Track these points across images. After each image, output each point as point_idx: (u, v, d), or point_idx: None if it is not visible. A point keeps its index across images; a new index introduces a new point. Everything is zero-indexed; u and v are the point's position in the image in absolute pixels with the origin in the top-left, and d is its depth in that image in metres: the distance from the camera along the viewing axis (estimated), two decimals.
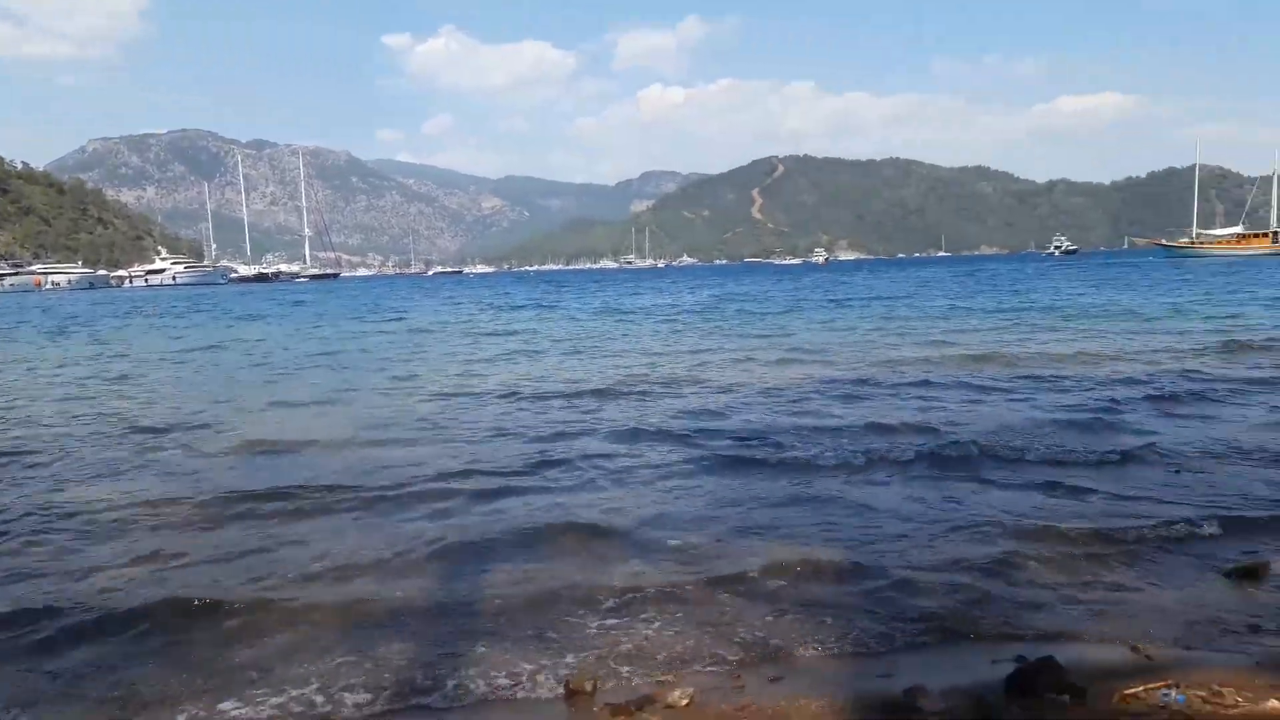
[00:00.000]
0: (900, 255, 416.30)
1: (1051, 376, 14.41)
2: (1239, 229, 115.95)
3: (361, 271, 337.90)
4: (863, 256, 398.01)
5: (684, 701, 4.16)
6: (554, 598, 5.61)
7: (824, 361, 17.53)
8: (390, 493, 8.13)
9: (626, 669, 4.65)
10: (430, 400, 13.88)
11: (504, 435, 10.80)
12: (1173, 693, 4.09)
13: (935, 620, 5.22)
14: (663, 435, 10.45)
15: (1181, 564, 6.07)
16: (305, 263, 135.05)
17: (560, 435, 10.67)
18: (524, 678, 4.59)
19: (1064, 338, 21.52)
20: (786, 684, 4.45)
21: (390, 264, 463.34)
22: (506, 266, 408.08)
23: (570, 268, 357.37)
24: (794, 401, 12.66)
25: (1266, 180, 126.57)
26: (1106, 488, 7.88)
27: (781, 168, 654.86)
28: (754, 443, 9.97)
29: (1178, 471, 8.39)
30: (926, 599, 5.53)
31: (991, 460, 8.88)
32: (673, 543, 6.64)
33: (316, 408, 13.62)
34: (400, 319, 38.67)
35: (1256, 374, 14.27)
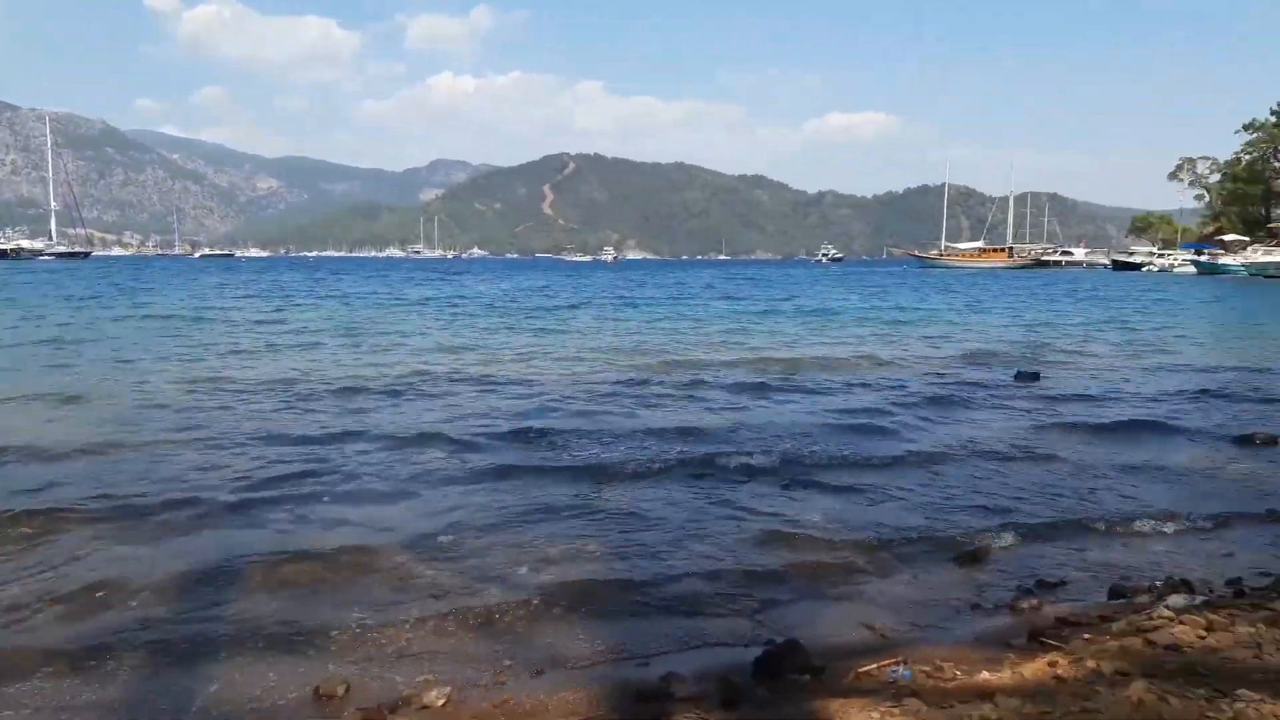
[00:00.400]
0: (684, 256, 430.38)
1: (823, 381, 15.31)
2: (981, 243, 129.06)
3: (117, 251, 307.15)
4: (649, 256, 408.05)
5: (440, 701, 4.10)
6: (308, 605, 5.37)
7: (610, 362, 17.77)
8: (131, 504, 7.40)
9: (383, 671, 4.53)
10: (180, 396, 12.79)
11: (263, 440, 9.94)
12: (900, 668, 4.46)
13: (693, 614, 5.43)
14: (438, 437, 10.18)
15: (920, 554, 6.60)
16: (51, 239, 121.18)
17: (330, 438, 10.13)
18: (272, 686, 4.37)
19: (834, 340, 23.02)
20: (547, 678, 4.49)
21: (151, 244, 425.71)
22: (283, 251, 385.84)
23: (354, 255, 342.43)
24: (577, 402, 12.75)
25: (1004, 200, 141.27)
26: (866, 486, 8.47)
27: (573, 165, 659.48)
28: (531, 444, 9.96)
29: (926, 470, 9.15)
30: (686, 596, 5.74)
31: (757, 463, 9.24)
32: (441, 542, 6.53)
33: (41, 405, 12.12)
34: (151, 304, 35.47)
35: (996, 378, 15.89)
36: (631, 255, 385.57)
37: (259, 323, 26.91)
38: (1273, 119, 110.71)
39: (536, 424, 10.87)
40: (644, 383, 14.59)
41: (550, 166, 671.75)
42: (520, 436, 10.24)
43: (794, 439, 10.40)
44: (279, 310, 32.91)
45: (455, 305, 37.35)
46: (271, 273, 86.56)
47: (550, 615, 5.30)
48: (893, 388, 14.39)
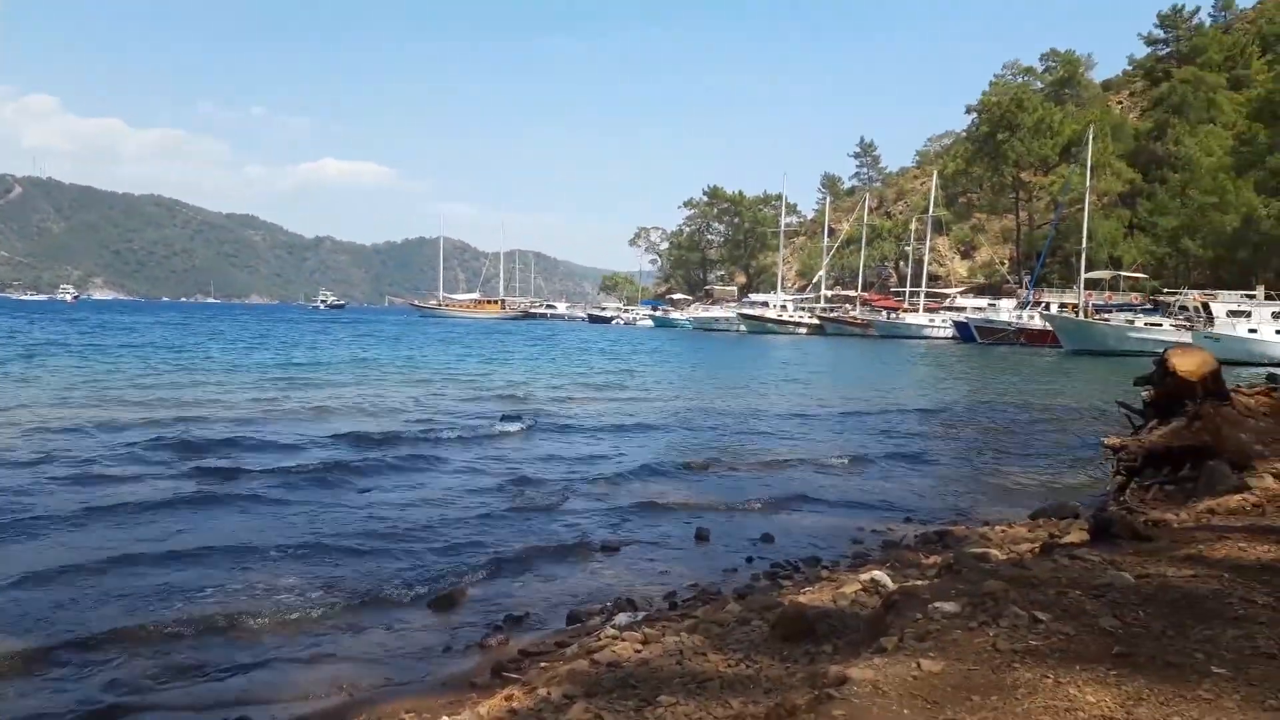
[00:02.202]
0: (165, 298, 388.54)
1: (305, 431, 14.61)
2: (476, 295, 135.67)
3: None
4: (120, 296, 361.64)
5: None
6: None
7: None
8: None
9: None
10: None
11: None
12: None
13: (133, 694, 4.75)
14: None
15: (395, 603, 6.50)
16: None
17: None
18: None
19: (322, 389, 22.20)
20: None
21: None
22: None
23: None
24: None
25: (496, 256, 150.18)
26: (336, 536, 8.17)
27: (19, 189, 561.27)
28: None
29: (397, 514, 9.10)
30: (128, 678, 5.01)
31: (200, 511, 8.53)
32: None
33: None
34: None
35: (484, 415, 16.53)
36: (99, 295, 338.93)
37: None
38: (704, 198, 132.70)
39: None
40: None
41: None
42: None
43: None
44: None
45: None
46: None
47: None
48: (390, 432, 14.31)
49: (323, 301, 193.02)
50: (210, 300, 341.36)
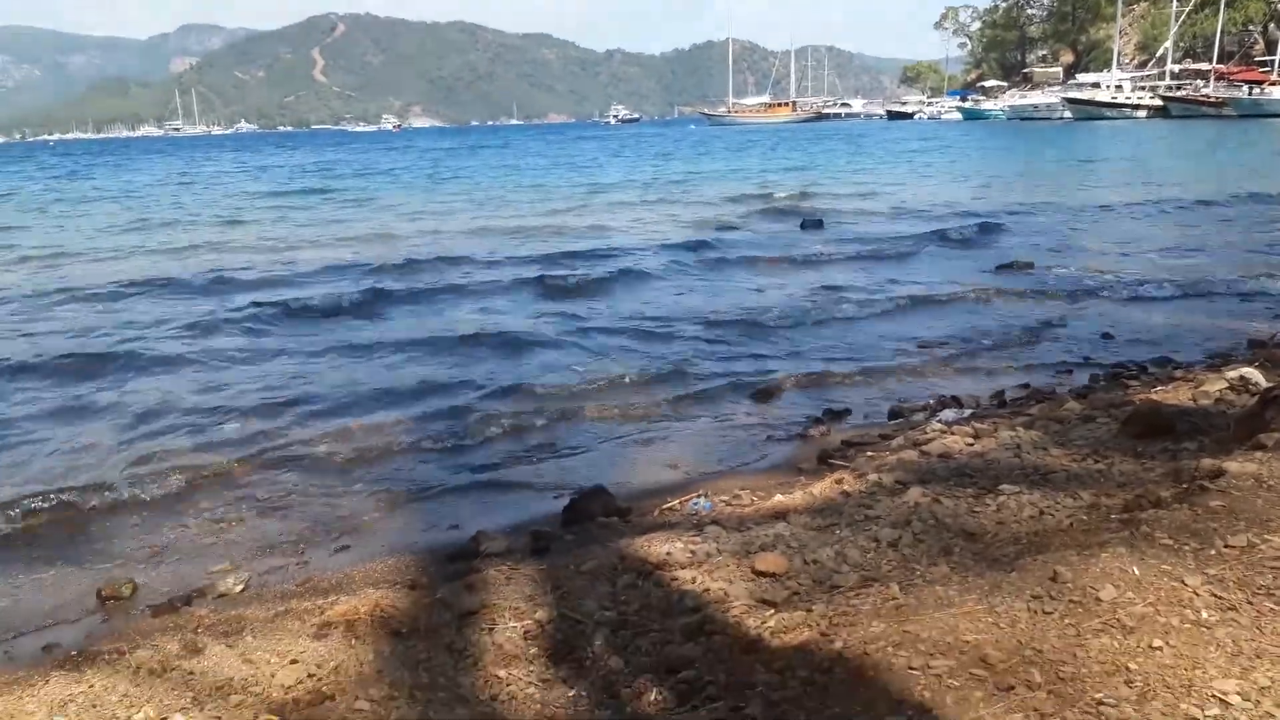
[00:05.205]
0: (474, 122, 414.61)
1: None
2: (766, 98, 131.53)
3: None
4: (437, 124, 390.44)
5: (238, 588, 3.91)
6: (82, 508, 4.93)
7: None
8: None
9: (175, 567, 4.26)
10: None
11: None
12: (701, 500, 4.65)
13: (500, 472, 5.42)
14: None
15: (718, 395, 6.83)
16: None
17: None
18: (53, 592, 4.03)
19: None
20: (353, 552, 4.36)
21: None
22: (19, 136, 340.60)
23: (102, 136, 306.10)
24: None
25: (786, 55, 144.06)
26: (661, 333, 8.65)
27: (342, 26, 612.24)
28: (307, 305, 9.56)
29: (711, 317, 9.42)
30: (492, 454, 5.71)
31: (562, 321, 9.29)
32: (230, 428, 6.14)
33: None
34: None
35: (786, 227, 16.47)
36: (418, 124, 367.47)
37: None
38: None
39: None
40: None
41: (317, 28, 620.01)
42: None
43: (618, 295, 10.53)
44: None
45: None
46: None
47: (351, 489, 5.13)
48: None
49: (614, 117, 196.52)
50: (513, 122, 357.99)
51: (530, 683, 2.72)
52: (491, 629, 3.06)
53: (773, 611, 2.92)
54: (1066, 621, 2.41)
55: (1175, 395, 5.24)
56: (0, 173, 46.90)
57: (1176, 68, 78.41)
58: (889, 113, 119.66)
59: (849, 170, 31.75)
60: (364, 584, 3.77)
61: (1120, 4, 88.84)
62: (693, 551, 3.57)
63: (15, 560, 4.37)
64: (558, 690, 2.65)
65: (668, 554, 3.54)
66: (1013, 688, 2.16)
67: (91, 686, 2.91)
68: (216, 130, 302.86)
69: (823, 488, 4.47)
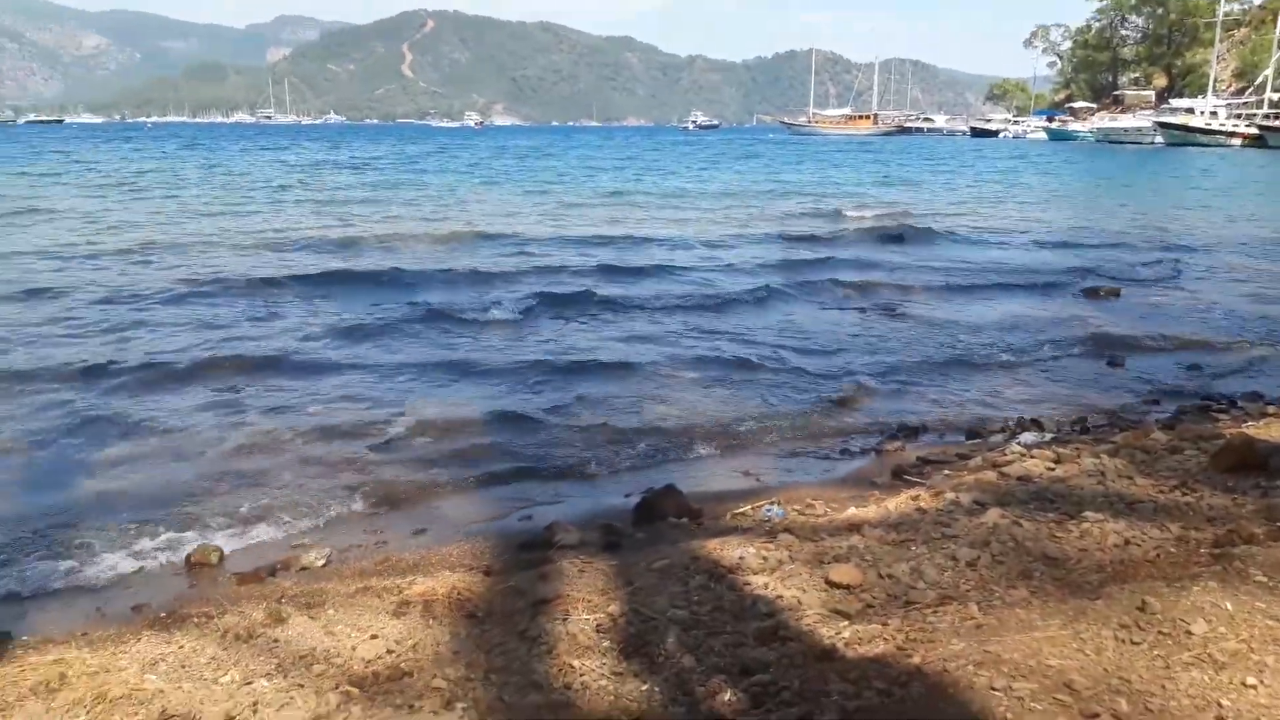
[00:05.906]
0: (554, 122, 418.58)
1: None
2: (848, 110, 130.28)
3: None
4: (518, 122, 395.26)
5: (320, 562, 4.03)
6: (168, 477, 5.13)
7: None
8: None
9: (256, 536, 4.40)
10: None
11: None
12: (773, 508, 4.64)
13: (577, 468, 5.48)
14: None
15: (793, 404, 6.81)
16: None
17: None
18: (145, 556, 4.19)
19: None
20: (430, 535, 4.46)
21: None
22: (118, 117, 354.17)
23: (197, 120, 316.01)
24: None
25: (870, 67, 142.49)
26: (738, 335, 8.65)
27: (432, 23, 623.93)
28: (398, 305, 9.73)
29: (791, 324, 9.37)
30: (568, 447, 5.77)
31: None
32: (315, 407, 6.33)
33: None
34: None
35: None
36: (500, 121, 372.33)
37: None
38: None
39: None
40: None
41: (408, 24, 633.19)
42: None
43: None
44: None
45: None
46: (108, 135, 78.56)
47: (431, 476, 5.24)
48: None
49: (693, 122, 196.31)
50: (591, 124, 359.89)
51: (603, 674, 2.75)
52: (565, 619, 3.10)
53: (847, 623, 2.91)
54: (1155, 653, 2.35)
55: (1268, 431, 5.06)
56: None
57: (1276, 96, 75.35)
58: (973, 129, 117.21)
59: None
60: (440, 566, 3.86)
61: (1219, 28, 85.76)
62: (765, 558, 3.57)
63: (109, 518, 4.55)
64: (631, 684, 2.68)
65: (740, 558, 3.55)
66: (1098, 715, 2.12)
67: (181, 648, 3.03)
68: (305, 120, 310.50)
69: (898, 503, 4.42)
